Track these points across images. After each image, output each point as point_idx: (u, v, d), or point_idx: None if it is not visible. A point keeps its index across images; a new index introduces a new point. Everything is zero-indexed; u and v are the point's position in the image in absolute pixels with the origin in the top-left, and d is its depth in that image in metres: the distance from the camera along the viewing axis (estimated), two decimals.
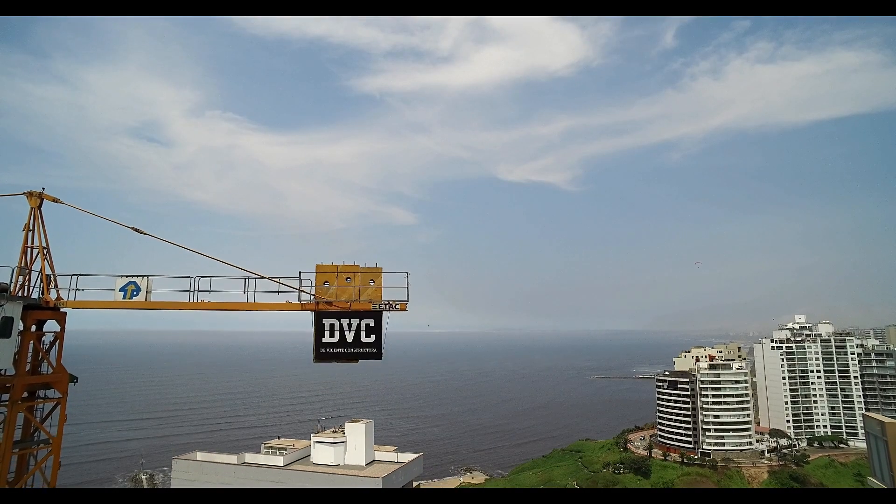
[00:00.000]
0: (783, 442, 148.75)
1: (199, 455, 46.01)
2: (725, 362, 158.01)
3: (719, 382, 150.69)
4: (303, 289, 16.65)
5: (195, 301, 16.49)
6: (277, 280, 16.76)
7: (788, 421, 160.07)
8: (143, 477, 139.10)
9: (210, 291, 16.67)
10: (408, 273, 16.92)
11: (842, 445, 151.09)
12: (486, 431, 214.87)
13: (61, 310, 16.74)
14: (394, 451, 47.99)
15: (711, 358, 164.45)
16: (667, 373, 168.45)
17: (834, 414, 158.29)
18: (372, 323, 16.83)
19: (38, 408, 16.51)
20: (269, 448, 51.01)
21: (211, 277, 16.61)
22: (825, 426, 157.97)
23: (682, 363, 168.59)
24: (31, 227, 16.68)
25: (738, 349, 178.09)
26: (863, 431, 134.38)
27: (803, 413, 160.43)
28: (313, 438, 45.59)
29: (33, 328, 16.09)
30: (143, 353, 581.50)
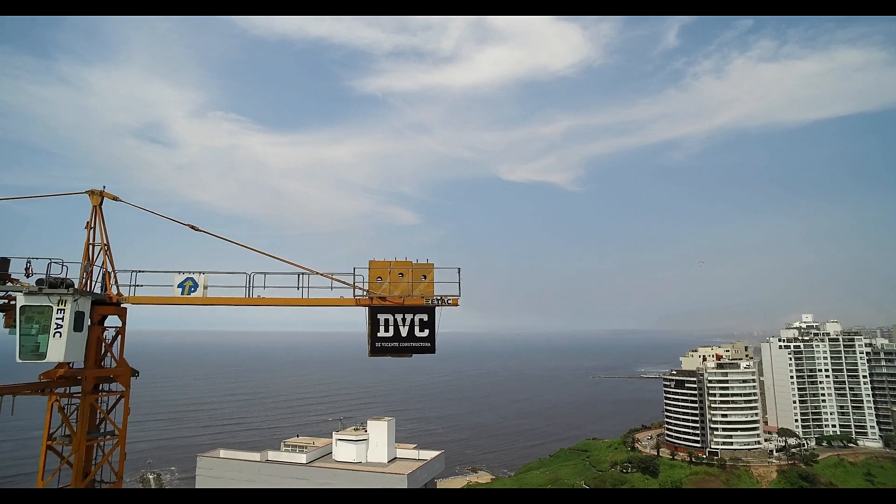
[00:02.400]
0: (791, 441, 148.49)
1: (223, 453, 46.43)
2: (733, 361, 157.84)
3: (727, 381, 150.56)
4: (357, 284, 16.98)
5: (251, 297, 16.86)
6: (331, 276, 17.11)
7: (796, 420, 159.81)
8: (151, 476, 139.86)
9: (264, 287, 17.05)
10: (459, 269, 17.27)
11: (851, 445, 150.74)
12: (490, 431, 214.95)
13: (122, 305, 17.13)
14: (414, 448, 48.33)
15: (718, 357, 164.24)
16: (674, 372, 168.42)
17: (843, 413, 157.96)
18: (425, 318, 17.18)
19: (101, 401, 16.89)
20: (288, 446, 51.39)
21: (265, 273, 16.98)
22: (834, 425, 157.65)
23: (689, 362, 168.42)
24: (92, 225, 17.07)
25: (746, 348, 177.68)
26: (872, 430, 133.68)
27: (811, 412, 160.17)
28: (335, 436, 45.97)
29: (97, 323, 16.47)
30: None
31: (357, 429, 47.07)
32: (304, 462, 43.35)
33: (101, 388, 16.92)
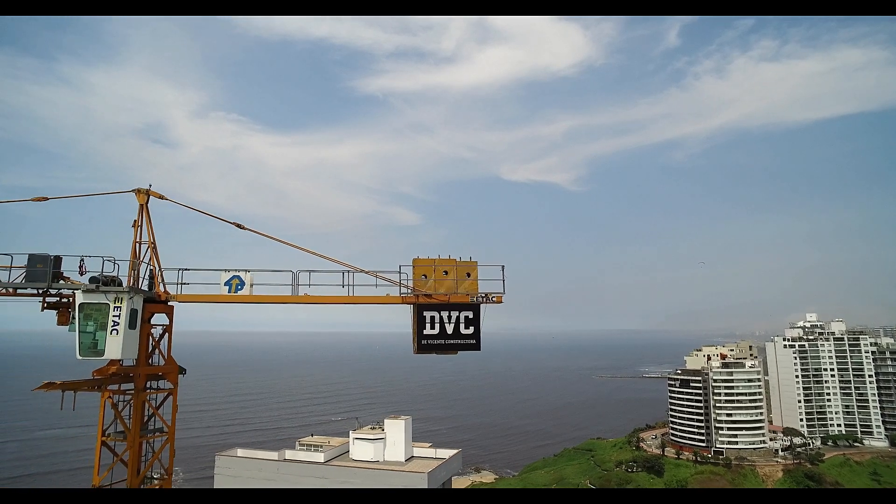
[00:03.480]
0: (797, 440, 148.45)
1: (240, 452, 46.57)
2: (738, 361, 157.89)
3: (732, 381, 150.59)
4: (402, 282, 17.10)
5: (297, 294, 16.97)
6: (376, 274, 17.23)
7: (801, 419, 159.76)
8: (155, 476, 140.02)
9: (310, 285, 17.14)
10: (503, 266, 17.38)
11: (857, 444, 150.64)
12: (493, 432, 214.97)
13: (169, 303, 17.25)
14: (429, 447, 48.49)
15: (723, 356, 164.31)
16: (679, 371, 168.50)
17: (848, 412, 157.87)
18: (470, 315, 17.30)
19: (150, 398, 17.00)
20: (303, 445, 51.44)
21: (310, 271, 17.08)
22: (839, 425, 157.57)
23: (694, 362, 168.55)
24: (139, 223, 17.19)
25: (750, 347, 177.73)
26: (878, 429, 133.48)
27: (816, 411, 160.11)
28: (352, 435, 46.09)
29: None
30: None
31: (374, 428, 47.24)
32: (322, 461, 43.50)
33: (148, 385, 17.03)
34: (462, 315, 17.23)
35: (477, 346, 17.34)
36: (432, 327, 17.13)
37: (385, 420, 46.09)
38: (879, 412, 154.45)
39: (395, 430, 44.55)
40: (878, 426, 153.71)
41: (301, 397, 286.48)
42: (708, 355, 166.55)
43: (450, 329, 17.13)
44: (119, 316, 15.00)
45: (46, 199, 17.45)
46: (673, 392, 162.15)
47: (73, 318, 15.10)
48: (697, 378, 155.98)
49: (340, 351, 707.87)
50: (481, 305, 17.42)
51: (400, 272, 17.27)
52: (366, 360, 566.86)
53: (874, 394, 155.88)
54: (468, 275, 17.68)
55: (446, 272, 17.56)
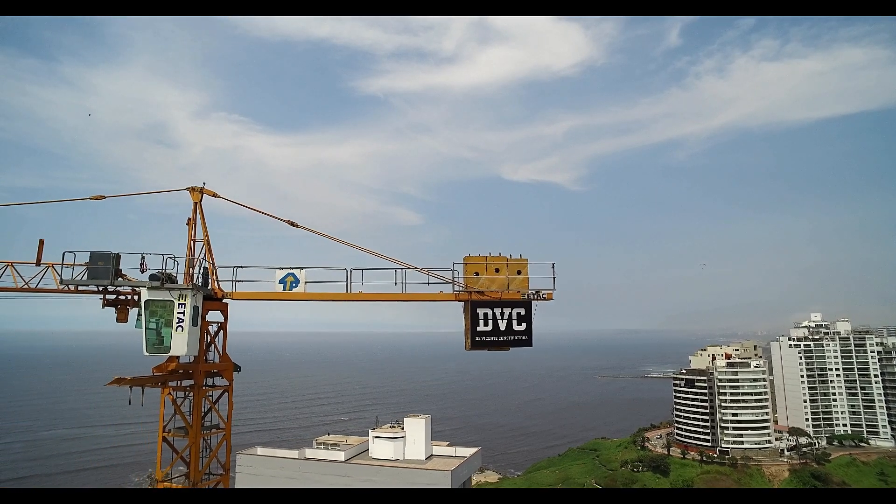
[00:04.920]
0: (803, 440, 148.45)
1: (260, 450, 46.68)
2: (743, 360, 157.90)
3: (737, 380, 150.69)
4: (455, 280, 17.22)
5: (350, 292, 17.09)
6: (428, 271, 17.35)
7: (807, 419, 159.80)
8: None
9: (362, 283, 17.25)
10: (553, 264, 17.50)
11: (863, 444, 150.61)
12: (497, 431, 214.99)
13: (224, 301, 17.36)
14: (448, 445, 48.60)
15: (728, 356, 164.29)
16: (684, 371, 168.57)
17: (854, 412, 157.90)
18: (522, 312, 17.45)
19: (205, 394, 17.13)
20: (320, 443, 51.54)
21: (363, 269, 17.19)
22: (845, 425, 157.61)
23: (699, 361, 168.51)
24: (193, 221, 17.30)
25: (755, 347, 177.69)
26: (884, 429, 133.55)
27: (822, 411, 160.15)
28: (372, 434, 46.18)
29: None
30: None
31: (393, 426, 47.36)
32: (343, 459, 43.61)
33: (204, 382, 17.14)
34: (514, 312, 17.39)
35: (529, 343, 17.50)
36: (486, 324, 17.28)
37: (405, 418, 46.19)
38: (885, 412, 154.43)
39: (416, 428, 44.65)
40: (884, 426, 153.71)
41: (301, 398, 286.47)
42: (713, 355, 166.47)
43: (503, 326, 17.28)
44: (184, 313, 15.14)
45: (104, 197, 17.58)
46: (678, 392, 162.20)
47: (139, 315, 15.23)
48: (703, 378, 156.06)
49: (341, 351, 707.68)
50: (533, 302, 17.58)
51: (454, 270, 17.41)
52: (367, 360, 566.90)
53: (880, 394, 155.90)
54: (519, 272, 17.83)
55: (498, 270, 17.71)
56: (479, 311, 17.31)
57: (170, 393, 16.22)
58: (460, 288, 17.59)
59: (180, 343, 15.12)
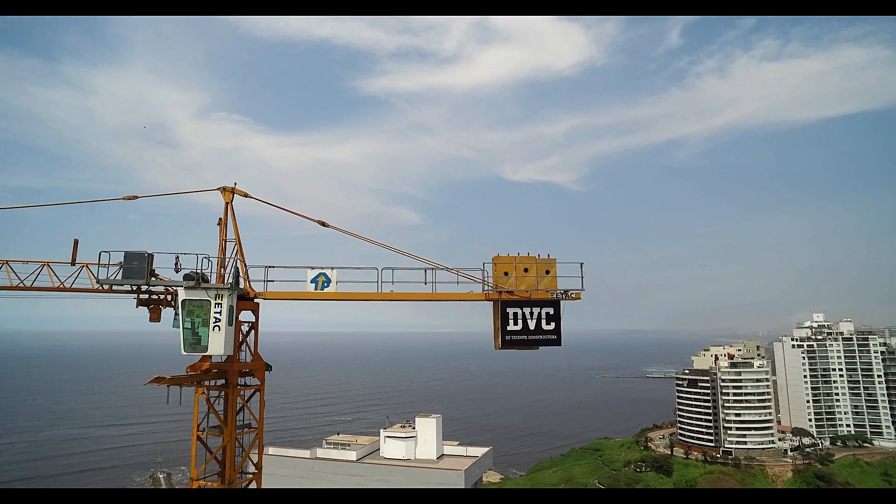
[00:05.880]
0: (806, 441, 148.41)
1: (271, 450, 46.79)
2: (746, 360, 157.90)
3: (740, 381, 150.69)
4: (484, 279, 17.32)
5: (381, 292, 17.19)
6: (457, 271, 17.45)
7: (810, 420, 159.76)
8: (161, 476, 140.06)
9: (392, 283, 17.35)
10: (581, 263, 17.62)
11: (866, 445, 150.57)
12: (499, 432, 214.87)
13: (256, 300, 17.46)
14: (458, 444, 48.73)
15: (731, 356, 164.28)
16: (687, 371, 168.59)
17: (857, 413, 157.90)
18: (551, 311, 17.57)
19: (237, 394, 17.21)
20: (330, 443, 51.71)
21: (393, 269, 17.28)
22: (848, 425, 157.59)
23: (701, 361, 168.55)
24: (225, 222, 17.40)
25: (758, 347, 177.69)
26: (888, 430, 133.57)
27: (825, 412, 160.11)
28: (383, 434, 46.30)
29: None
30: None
31: (404, 426, 47.47)
32: (355, 459, 43.72)
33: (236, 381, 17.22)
34: (543, 311, 17.51)
35: (558, 342, 17.62)
36: (515, 323, 17.41)
37: (416, 418, 46.31)
38: (889, 412, 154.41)
39: (427, 428, 44.78)
40: (887, 427, 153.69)
41: (303, 398, 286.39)
42: (715, 355, 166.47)
43: (532, 325, 17.41)
44: (220, 312, 15.23)
45: (136, 197, 17.68)
46: (681, 392, 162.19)
47: (176, 314, 15.32)
48: (705, 378, 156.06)
49: (341, 351, 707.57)
50: (561, 302, 17.69)
51: (483, 270, 17.53)
52: (367, 360, 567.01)
53: (883, 394, 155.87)
54: (547, 272, 17.95)
55: (526, 269, 17.83)
56: (508, 310, 17.45)
57: (204, 392, 16.31)
58: (490, 288, 17.70)
59: (217, 342, 15.21)
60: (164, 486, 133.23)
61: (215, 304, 15.22)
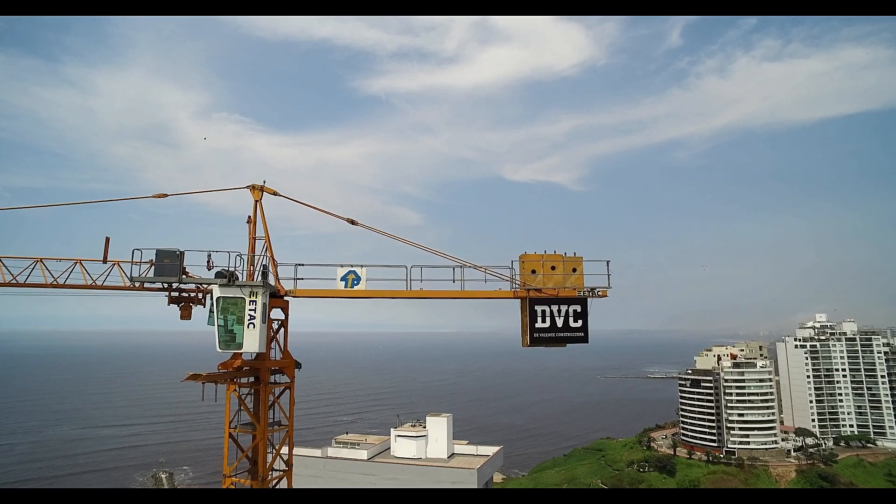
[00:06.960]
0: (809, 441, 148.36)
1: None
2: (749, 360, 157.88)
3: (743, 381, 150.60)
4: (511, 277, 17.40)
5: (410, 289, 17.26)
6: (485, 269, 17.52)
7: (813, 420, 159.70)
8: (163, 476, 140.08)
9: (421, 280, 17.43)
10: (608, 261, 17.72)
11: (870, 445, 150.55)
12: (501, 432, 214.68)
13: (286, 298, 17.52)
14: (467, 444, 48.77)
15: (733, 356, 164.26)
16: (689, 371, 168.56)
17: (861, 413, 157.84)
18: (579, 309, 17.67)
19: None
20: (339, 443, 51.72)
21: (422, 267, 17.36)
22: (851, 425, 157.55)
23: (704, 362, 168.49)
24: (254, 220, 17.47)
25: (760, 347, 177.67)
26: (891, 430, 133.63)
27: (829, 412, 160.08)
28: (394, 433, 46.36)
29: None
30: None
31: (414, 425, 47.52)
32: (366, 458, 43.77)
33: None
34: (571, 309, 17.61)
35: (585, 339, 17.72)
36: (543, 321, 17.50)
37: (427, 417, 46.38)
38: (892, 413, 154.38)
39: (438, 427, 44.83)
40: (891, 427, 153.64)
41: (303, 398, 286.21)
42: (718, 355, 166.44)
43: (559, 322, 17.51)
44: (255, 310, 15.30)
45: (165, 195, 17.76)
46: (683, 392, 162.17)
47: (211, 312, 15.38)
48: (708, 378, 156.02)
49: (341, 351, 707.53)
50: (588, 299, 17.78)
51: (511, 268, 17.62)
52: (368, 360, 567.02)
53: (887, 394, 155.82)
54: (574, 270, 18.04)
55: (554, 267, 17.92)
56: (536, 308, 17.54)
57: (235, 390, 16.36)
58: (518, 285, 17.78)
59: (252, 340, 15.25)
60: (165, 486, 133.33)
61: (249, 301, 15.29)
